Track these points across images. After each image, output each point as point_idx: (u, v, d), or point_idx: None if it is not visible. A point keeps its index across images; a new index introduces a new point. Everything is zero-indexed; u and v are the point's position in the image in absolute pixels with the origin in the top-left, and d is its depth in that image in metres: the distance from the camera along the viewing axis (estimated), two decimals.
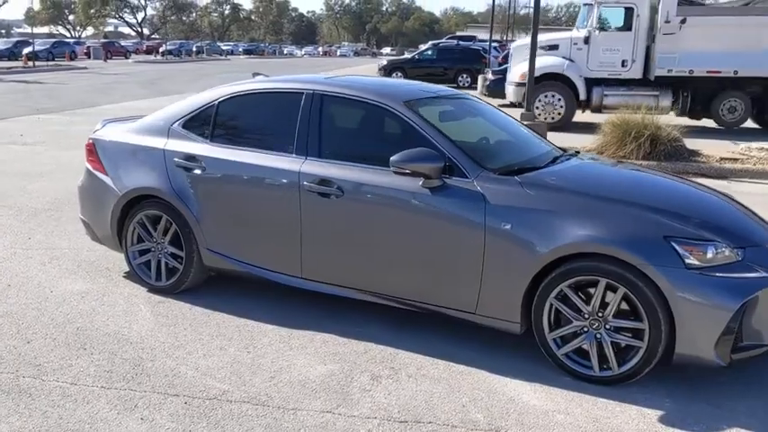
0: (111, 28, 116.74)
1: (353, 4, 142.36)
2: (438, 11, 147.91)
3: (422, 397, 3.72)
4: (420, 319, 4.62)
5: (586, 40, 15.48)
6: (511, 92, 16.83)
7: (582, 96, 15.76)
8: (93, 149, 5.39)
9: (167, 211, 4.99)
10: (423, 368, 4.04)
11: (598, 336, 3.83)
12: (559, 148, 5.20)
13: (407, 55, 35.31)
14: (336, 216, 4.42)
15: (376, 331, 4.52)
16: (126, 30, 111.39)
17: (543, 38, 15.81)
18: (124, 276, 5.51)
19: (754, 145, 11.67)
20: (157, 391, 3.74)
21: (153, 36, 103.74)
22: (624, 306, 3.78)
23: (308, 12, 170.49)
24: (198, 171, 4.86)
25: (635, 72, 15.41)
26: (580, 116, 16.65)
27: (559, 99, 15.76)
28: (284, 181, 4.55)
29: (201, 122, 5.01)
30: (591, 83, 15.75)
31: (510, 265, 3.94)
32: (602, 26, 15.50)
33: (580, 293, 3.86)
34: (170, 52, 60.17)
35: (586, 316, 3.84)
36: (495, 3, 32.15)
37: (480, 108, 5.25)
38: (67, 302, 4.96)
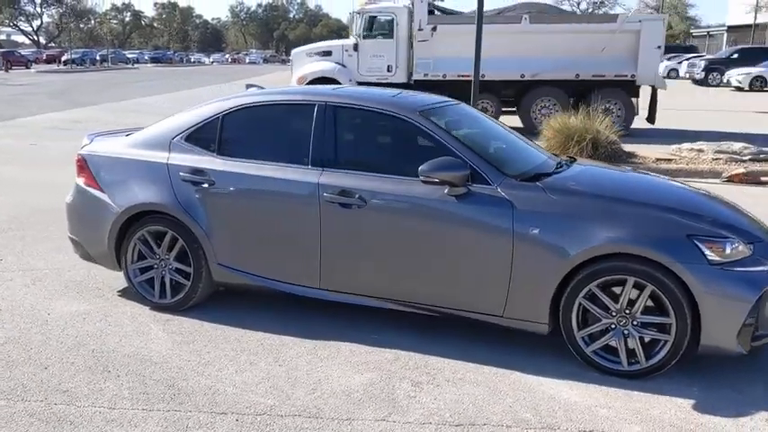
0: (3, 36, 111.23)
1: (260, 10, 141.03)
2: (345, 18, 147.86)
3: (467, 400, 3.82)
4: (439, 325, 4.72)
5: (355, 47, 16.44)
6: None
7: None
8: (84, 165, 5.22)
9: (173, 226, 4.89)
10: (457, 372, 4.14)
11: (626, 332, 4.03)
12: (554, 154, 5.41)
13: None
14: (359, 226, 4.46)
15: (398, 338, 4.58)
16: (20, 38, 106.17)
17: (319, 45, 17.47)
18: (119, 295, 5.36)
19: (684, 146, 12.36)
20: (202, 410, 3.68)
21: (50, 45, 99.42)
22: (649, 302, 3.99)
23: (212, 18, 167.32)
24: (206, 185, 4.80)
25: (400, 77, 16.31)
26: None
27: None
28: (302, 193, 4.55)
29: (206, 136, 4.94)
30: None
31: (539, 269, 4.09)
32: (368, 34, 16.49)
33: (606, 292, 4.05)
34: (73, 61, 57.80)
35: (614, 313, 4.04)
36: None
37: (476, 115, 5.40)
38: (71, 325, 4.78)
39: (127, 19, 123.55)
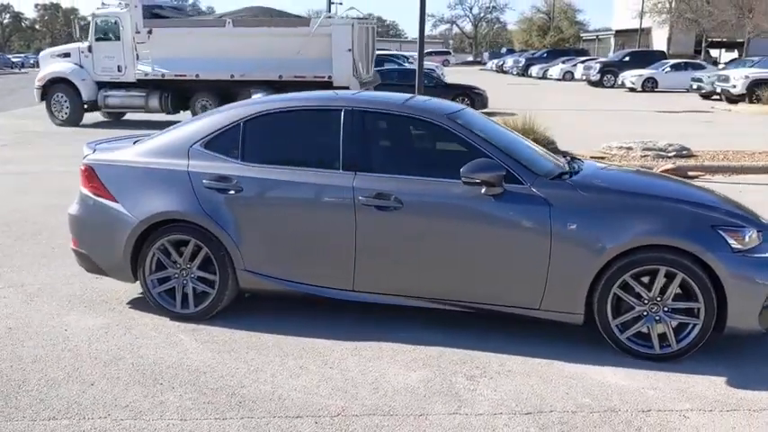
0: None
1: None
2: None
3: (525, 390, 4.01)
4: (468, 320, 4.88)
5: (90, 49, 17.75)
6: (35, 93, 18.38)
7: (86, 98, 17.77)
8: (92, 175, 5.06)
9: (196, 234, 4.83)
10: (504, 365, 4.32)
11: (657, 318, 4.34)
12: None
13: None
14: (395, 227, 4.57)
15: (432, 335, 4.71)
16: None
17: (62, 48, 18.83)
18: (131, 307, 5.22)
19: (613, 144, 13.08)
20: (276, 415, 3.70)
21: None
22: (677, 289, 4.31)
23: None
24: (233, 192, 4.77)
25: (129, 76, 17.57)
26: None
27: (66, 100, 17.83)
28: (337, 196, 4.61)
29: (227, 142, 4.90)
30: (101, 86, 17.88)
31: (576, 262, 4.33)
32: (100, 36, 17.76)
33: (638, 282, 4.34)
34: None
35: (646, 301, 4.33)
36: None
37: (484, 119, 5.60)
38: (96, 339, 4.64)
39: (6, 21, 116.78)
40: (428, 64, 37.52)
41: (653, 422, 3.68)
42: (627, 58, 38.07)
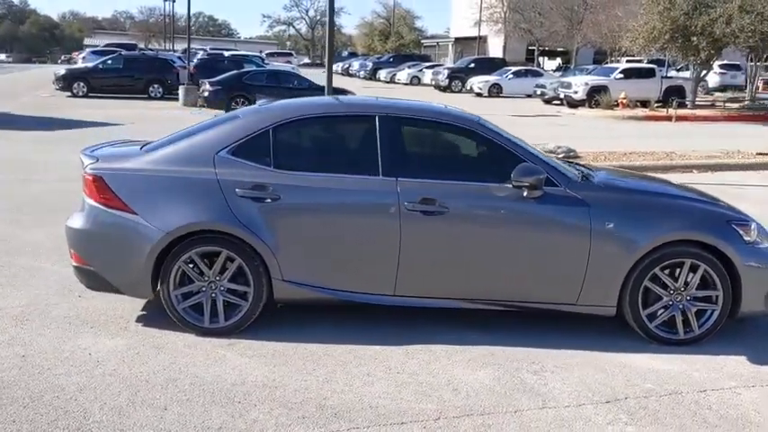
0: None
1: None
2: (56, 15, 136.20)
3: (590, 380, 4.26)
4: (501, 318, 5.05)
5: None
6: None
7: None
8: (103, 185, 4.69)
9: (228, 245, 4.63)
10: (557, 359, 4.54)
11: (680, 306, 4.76)
12: None
13: (81, 64, 32.43)
14: (440, 232, 4.65)
15: (474, 335, 4.84)
16: None
17: None
18: (144, 325, 4.90)
19: None
20: (380, 423, 3.69)
21: None
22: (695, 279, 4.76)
23: None
24: (270, 200, 4.63)
25: None
26: None
27: None
28: (381, 202, 4.62)
29: (257, 149, 4.74)
30: None
31: (613, 258, 4.65)
32: None
33: (665, 274, 4.74)
34: None
35: (671, 291, 4.74)
36: (156, 10, 31.28)
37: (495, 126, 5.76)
38: (132, 361, 4.33)
39: None
40: (285, 66, 37.33)
41: (715, 400, 4.06)
42: (472, 65, 40.06)
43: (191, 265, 4.68)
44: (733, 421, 3.84)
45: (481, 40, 50.29)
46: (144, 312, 5.11)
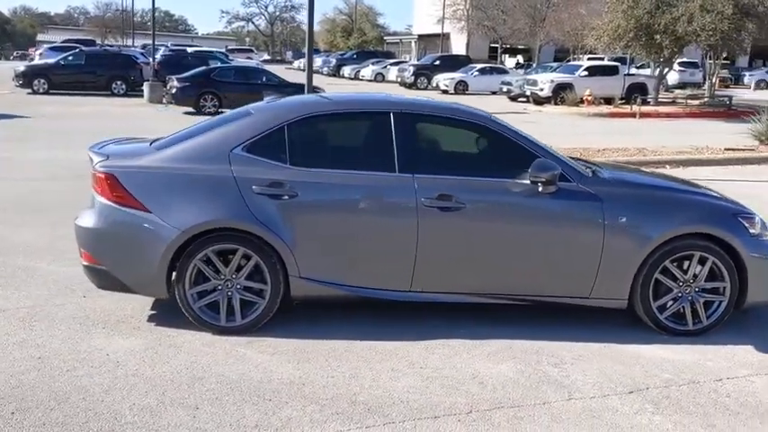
0: None
1: None
2: (7, 10, 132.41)
3: (610, 371, 4.34)
4: (513, 312, 5.10)
5: None
6: None
7: None
8: (116, 182, 4.61)
9: (245, 242, 4.60)
10: (573, 351, 4.62)
11: (690, 298, 4.88)
12: None
13: (45, 60, 31.56)
14: (457, 227, 4.69)
15: (490, 330, 4.87)
16: None
17: None
18: (156, 325, 4.84)
19: None
20: (415, 418, 3.71)
21: None
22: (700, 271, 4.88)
23: None
24: (287, 197, 4.61)
25: None
26: None
27: None
28: (399, 199, 4.64)
29: (272, 146, 4.71)
30: None
31: (626, 252, 4.75)
32: None
33: (675, 266, 4.85)
34: None
35: (681, 283, 4.86)
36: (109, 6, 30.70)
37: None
38: (152, 361, 4.27)
39: None
40: (249, 63, 37.01)
41: (732, 388, 4.17)
42: (437, 62, 40.23)
43: (206, 264, 4.63)
44: (753, 408, 3.95)
45: (444, 37, 50.53)
46: (154, 312, 5.04)
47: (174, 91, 21.47)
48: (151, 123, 17.97)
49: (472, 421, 3.70)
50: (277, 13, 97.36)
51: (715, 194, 5.23)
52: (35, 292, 5.39)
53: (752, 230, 4.88)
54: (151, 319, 4.94)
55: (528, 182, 4.68)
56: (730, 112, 25.79)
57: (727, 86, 41.08)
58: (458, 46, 52.95)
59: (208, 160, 4.67)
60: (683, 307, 4.88)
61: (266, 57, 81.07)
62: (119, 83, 27.61)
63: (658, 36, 25.13)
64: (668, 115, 25.39)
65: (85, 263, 4.77)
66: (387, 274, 4.75)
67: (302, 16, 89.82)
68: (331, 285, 4.72)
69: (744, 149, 15.06)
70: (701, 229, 4.78)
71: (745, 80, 46.53)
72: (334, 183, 4.66)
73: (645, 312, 4.88)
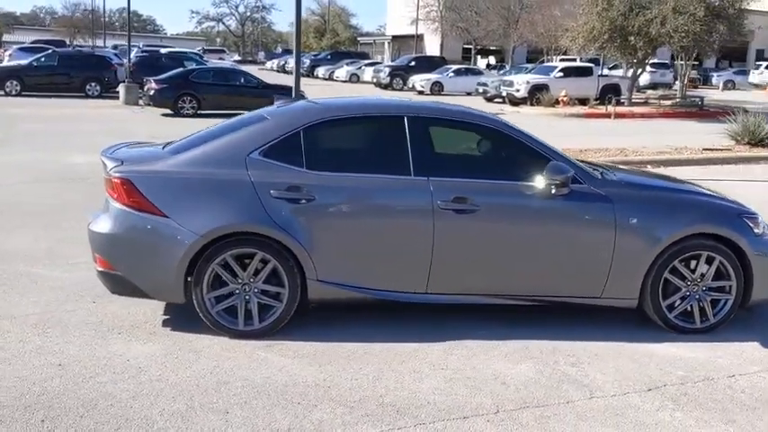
0: None
1: None
2: None
3: (627, 370, 4.43)
4: (524, 313, 5.18)
5: None
6: None
7: None
8: (132, 188, 4.60)
9: (263, 246, 4.61)
10: (588, 350, 4.71)
11: (697, 296, 5.00)
12: None
13: (16, 61, 31.01)
14: (472, 229, 4.75)
15: (505, 330, 4.94)
16: None
17: None
18: (172, 330, 4.83)
19: None
20: (447, 419, 3.76)
21: None
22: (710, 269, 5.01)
23: None
24: (305, 201, 4.63)
25: None
26: None
27: None
28: (415, 201, 4.69)
29: (288, 150, 4.73)
30: None
31: (636, 252, 4.85)
32: None
33: (684, 266, 4.97)
34: None
35: (689, 282, 4.97)
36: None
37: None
38: (175, 366, 4.27)
39: None
40: (224, 64, 36.77)
41: (746, 384, 4.29)
42: (413, 63, 40.38)
43: (224, 268, 4.63)
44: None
45: (418, 38, 50.71)
46: (167, 317, 5.03)
47: (151, 93, 21.30)
48: (130, 125, 17.85)
49: (500, 421, 3.76)
50: (248, 14, 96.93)
51: (719, 195, 5.37)
52: (42, 299, 5.34)
53: (756, 230, 5.01)
54: (166, 323, 4.93)
55: (541, 184, 4.75)
56: (702, 112, 26.29)
57: (695, 87, 41.79)
58: (431, 47, 53.16)
59: (225, 165, 4.68)
60: (691, 305, 5.00)
61: (237, 57, 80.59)
62: (93, 84, 27.23)
63: (632, 38, 25.54)
64: (643, 115, 25.78)
65: (100, 268, 4.75)
66: (403, 276, 4.79)
67: (273, 17, 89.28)
68: (347, 288, 4.75)
69: (721, 149, 15.38)
70: (708, 230, 4.90)
71: (713, 81, 47.39)
72: (350, 186, 4.70)
73: (654, 311, 4.98)
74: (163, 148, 5.04)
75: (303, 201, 4.63)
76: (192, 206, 4.58)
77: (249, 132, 4.84)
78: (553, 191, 4.76)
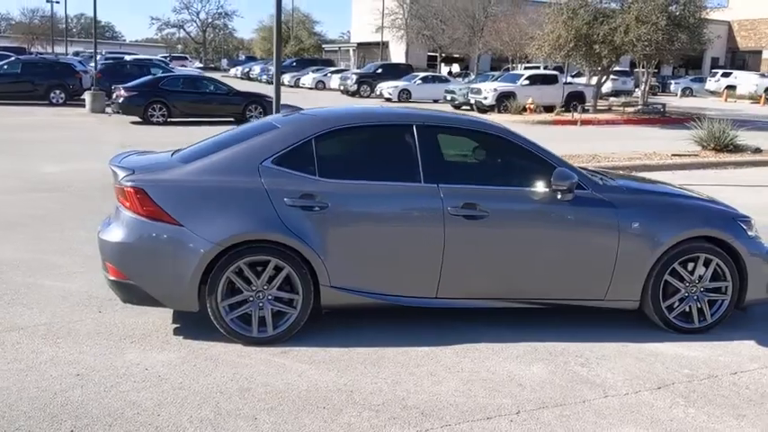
0: None
1: None
2: None
3: (634, 369, 4.58)
4: (529, 315, 5.30)
5: None
6: None
7: None
8: (145, 196, 4.61)
9: (277, 254, 4.65)
10: (595, 351, 4.84)
11: (695, 297, 5.18)
12: None
13: None
14: (481, 234, 4.86)
15: (511, 333, 5.06)
16: None
17: None
18: (185, 338, 4.84)
19: None
20: (468, 419, 3.85)
21: None
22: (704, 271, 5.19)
23: None
24: (318, 208, 4.69)
25: None
26: None
27: None
28: (426, 207, 4.78)
29: (300, 158, 4.79)
30: None
31: (638, 256, 5.01)
32: None
33: (682, 268, 5.15)
34: None
35: (687, 284, 5.15)
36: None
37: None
38: (195, 374, 4.29)
39: None
40: (190, 71, 36.45)
41: (748, 381, 4.47)
42: (380, 71, 40.54)
43: (238, 275, 4.66)
44: None
45: (384, 45, 50.96)
46: (177, 325, 5.04)
47: (120, 100, 21.01)
48: (101, 134, 17.62)
49: (523, 421, 3.86)
50: (209, 20, 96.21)
51: (713, 200, 5.57)
52: (47, 309, 5.30)
53: (750, 233, 5.22)
54: (177, 332, 4.93)
55: (547, 190, 4.89)
56: (665, 118, 26.93)
57: (655, 94, 42.71)
58: (397, 54, 53.47)
59: (238, 173, 4.72)
60: (690, 306, 5.17)
61: (200, 64, 79.94)
62: (57, 92, 26.77)
63: (597, 46, 26.05)
64: (608, 122, 26.27)
65: (112, 278, 4.73)
66: (414, 281, 4.88)
67: (234, 23, 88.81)
68: (360, 294, 4.82)
69: (689, 155, 15.79)
70: (706, 233, 5.09)
71: (672, 88, 48.47)
72: (362, 194, 4.77)
73: (655, 312, 5.15)
74: (171, 155, 5.05)
75: (317, 208, 4.69)
76: (207, 214, 4.61)
77: (260, 141, 4.88)
78: (559, 196, 4.90)
